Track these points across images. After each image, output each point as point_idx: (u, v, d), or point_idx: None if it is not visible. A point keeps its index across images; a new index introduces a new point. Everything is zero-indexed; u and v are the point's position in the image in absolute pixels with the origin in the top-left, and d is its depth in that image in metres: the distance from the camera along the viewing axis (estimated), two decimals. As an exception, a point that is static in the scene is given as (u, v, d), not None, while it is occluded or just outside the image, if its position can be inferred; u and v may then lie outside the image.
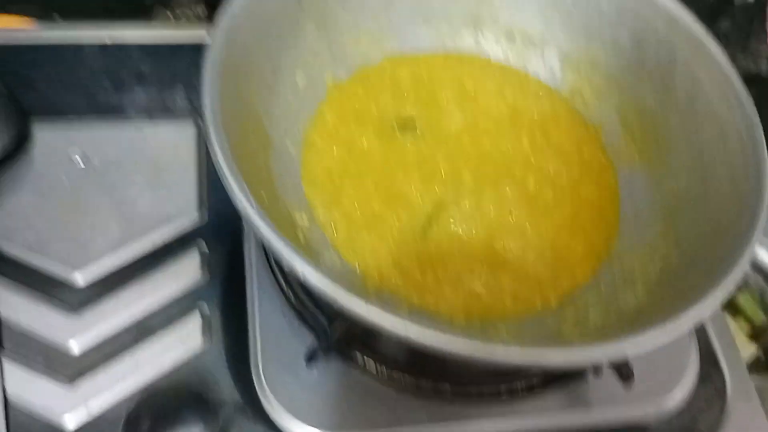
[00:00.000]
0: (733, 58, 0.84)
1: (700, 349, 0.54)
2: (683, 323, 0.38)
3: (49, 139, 0.56)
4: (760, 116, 1.01)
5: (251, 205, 0.39)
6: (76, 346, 0.49)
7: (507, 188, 0.53)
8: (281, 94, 0.52)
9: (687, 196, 0.51)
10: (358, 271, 0.48)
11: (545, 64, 0.59)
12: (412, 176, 0.53)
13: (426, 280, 0.48)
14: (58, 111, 0.58)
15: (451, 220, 0.51)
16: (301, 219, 0.48)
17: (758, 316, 0.74)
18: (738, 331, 0.73)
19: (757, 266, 0.74)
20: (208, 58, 0.43)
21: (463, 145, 0.55)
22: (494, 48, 0.60)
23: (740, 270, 0.41)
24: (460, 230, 0.51)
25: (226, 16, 0.46)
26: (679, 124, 0.53)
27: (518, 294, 0.49)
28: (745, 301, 0.74)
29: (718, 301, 0.39)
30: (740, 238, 0.43)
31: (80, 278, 0.51)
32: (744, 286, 0.74)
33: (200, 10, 0.78)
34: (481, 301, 0.48)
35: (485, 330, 0.47)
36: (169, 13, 0.77)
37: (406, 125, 0.55)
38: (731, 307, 0.74)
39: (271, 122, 0.50)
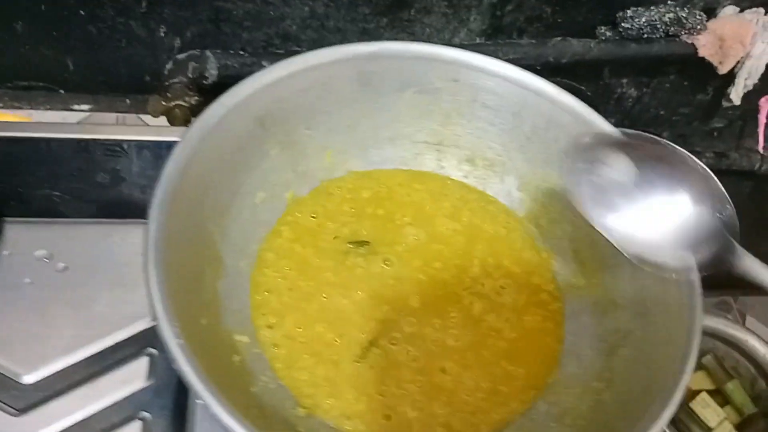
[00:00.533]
0: (727, 156, 0.86)
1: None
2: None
3: (17, 238, 0.58)
4: (756, 211, 1.02)
5: (177, 341, 0.40)
6: (16, 449, 0.50)
7: (452, 312, 0.55)
8: (239, 213, 0.53)
9: (628, 337, 0.52)
10: (291, 394, 0.49)
11: (504, 188, 0.61)
12: (359, 297, 0.54)
13: (358, 406, 0.49)
14: (28, 211, 0.60)
15: (392, 345, 0.52)
16: (242, 339, 0.50)
17: (748, 406, 0.74)
18: (725, 422, 0.72)
19: (747, 354, 0.74)
20: (158, 191, 0.45)
21: (414, 268, 0.56)
22: (455, 170, 0.61)
23: (666, 417, 0.43)
24: (400, 355, 0.52)
25: (182, 145, 0.48)
26: (626, 261, 0.54)
27: (450, 424, 0.50)
28: (735, 390, 0.74)
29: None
30: (669, 387, 0.45)
31: (29, 379, 0.52)
32: (735, 374, 0.74)
33: (193, 100, 0.80)
34: (411, 430, 0.49)
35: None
36: (162, 101, 0.80)
37: (360, 246, 0.56)
38: (720, 395, 0.74)
39: (225, 242, 0.52)
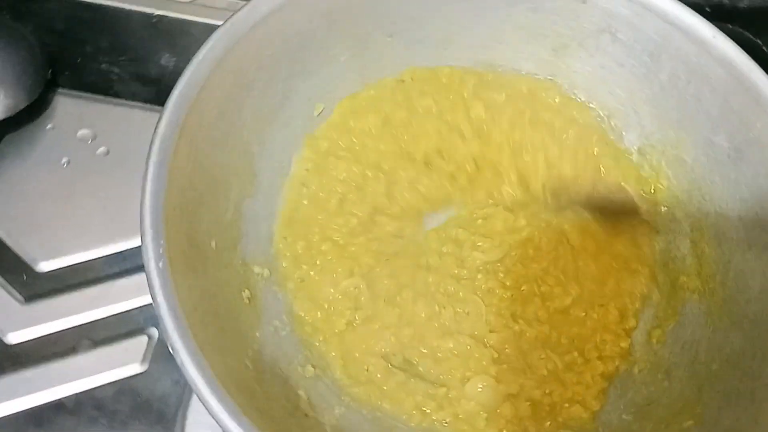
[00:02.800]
0: None
1: None
2: None
3: (64, 112, 0.53)
4: None
5: (156, 263, 0.33)
6: (13, 336, 0.46)
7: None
8: (286, 125, 0.45)
9: (735, 364, 0.40)
10: (302, 348, 0.41)
11: (620, 147, 0.49)
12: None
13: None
14: (82, 85, 0.54)
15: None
16: (261, 272, 0.42)
17: None
18: None
19: None
20: (182, 78, 0.38)
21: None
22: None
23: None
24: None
25: (223, 29, 0.40)
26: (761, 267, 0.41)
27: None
28: None
29: None
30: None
31: (44, 266, 0.48)
32: None
33: None
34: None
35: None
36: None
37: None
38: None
39: (263, 155, 0.44)
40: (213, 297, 0.37)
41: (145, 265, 0.33)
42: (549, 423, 0.42)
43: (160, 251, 0.34)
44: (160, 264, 0.33)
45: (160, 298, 0.33)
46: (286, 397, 0.38)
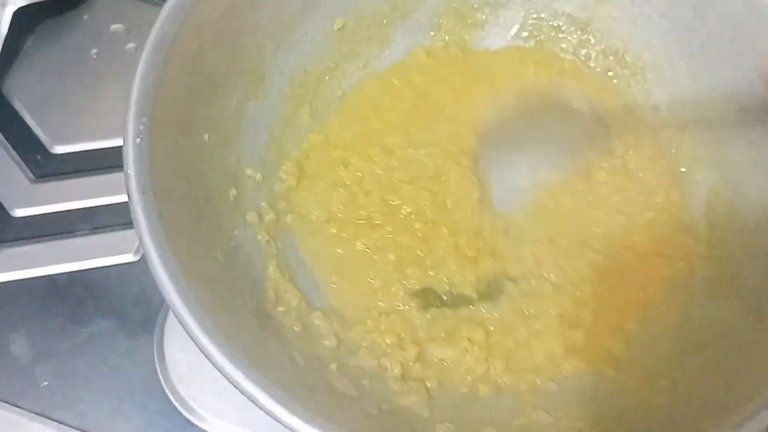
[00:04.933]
0: None
1: None
2: None
3: (101, 4, 0.54)
4: None
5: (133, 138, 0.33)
6: (20, 211, 0.47)
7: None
8: (305, 35, 0.45)
9: (725, 336, 0.37)
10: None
11: (648, 101, 0.46)
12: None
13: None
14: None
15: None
16: (253, 175, 0.42)
17: None
18: None
19: None
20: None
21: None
22: (593, 61, 0.48)
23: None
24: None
25: None
26: None
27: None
28: None
29: None
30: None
31: (59, 149, 0.49)
32: None
33: None
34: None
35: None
36: None
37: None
38: None
39: (276, 60, 0.44)
40: (196, 187, 0.37)
41: (124, 139, 0.33)
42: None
43: (140, 128, 0.34)
44: (138, 140, 0.33)
45: (131, 171, 0.33)
46: (251, 294, 0.37)
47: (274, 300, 0.38)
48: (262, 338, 0.35)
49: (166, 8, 0.37)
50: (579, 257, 0.42)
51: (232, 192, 0.40)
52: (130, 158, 0.33)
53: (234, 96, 0.41)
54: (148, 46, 0.36)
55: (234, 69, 0.41)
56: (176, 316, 0.31)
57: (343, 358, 0.38)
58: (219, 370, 0.30)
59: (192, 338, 0.31)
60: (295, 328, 0.38)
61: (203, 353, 0.30)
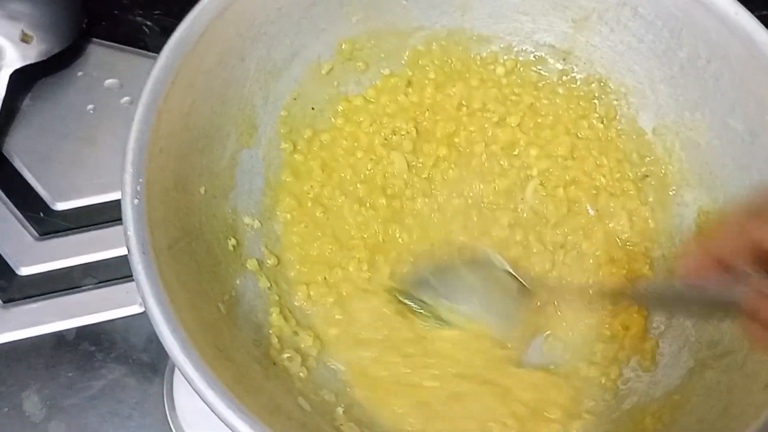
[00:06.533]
0: None
1: None
2: None
3: (95, 61, 0.55)
4: None
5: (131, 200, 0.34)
6: (25, 269, 0.48)
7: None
8: (293, 79, 0.46)
9: (724, 358, 0.38)
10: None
11: (634, 127, 0.47)
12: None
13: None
14: (115, 36, 0.56)
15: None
16: (250, 223, 0.43)
17: None
18: None
19: None
20: (184, 22, 0.39)
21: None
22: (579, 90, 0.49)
23: None
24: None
25: None
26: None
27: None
28: None
29: None
30: None
31: (60, 206, 0.50)
32: None
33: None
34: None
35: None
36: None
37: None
38: None
39: (267, 108, 0.45)
40: (194, 239, 0.38)
41: (122, 201, 0.34)
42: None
43: (138, 189, 0.35)
44: (135, 201, 0.34)
45: (130, 232, 0.34)
46: (255, 342, 0.38)
47: (278, 347, 0.39)
48: (267, 386, 0.36)
49: (157, 67, 0.38)
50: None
51: (231, 242, 0.41)
52: (129, 219, 0.34)
53: (228, 146, 0.42)
54: (141, 106, 0.37)
55: (226, 120, 0.42)
56: (180, 372, 0.32)
57: (350, 401, 0.39)
58: (224, 422, 0.31)
59: (197, 392, 0.31)
60: (300, 374, 0.38)
61: (208, 407, 0.31)
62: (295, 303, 0.42)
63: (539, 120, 0.48)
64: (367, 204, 0.45)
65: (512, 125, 0.48)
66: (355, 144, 0.47)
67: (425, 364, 0.41)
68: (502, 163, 0.47)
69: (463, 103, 0.48)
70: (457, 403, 0.39)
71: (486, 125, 0.48)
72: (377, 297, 0.43)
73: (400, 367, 0.40)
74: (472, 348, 0.41)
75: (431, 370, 0.40)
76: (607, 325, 0.42)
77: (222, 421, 0.31)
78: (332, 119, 0.47)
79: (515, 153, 0.47)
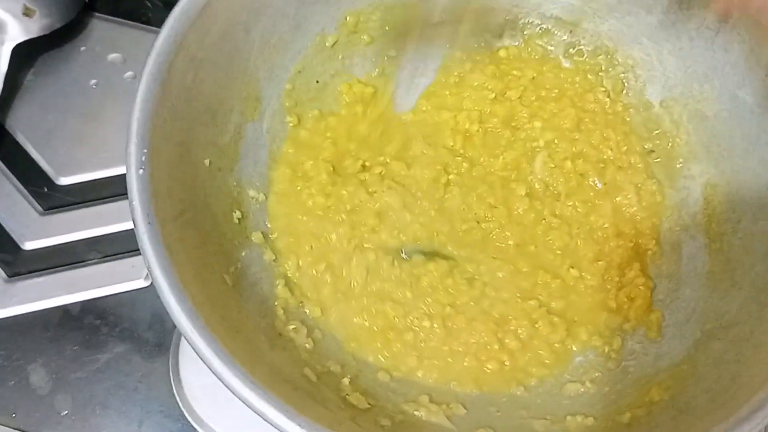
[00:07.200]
0: None
1: None
2: None
3: (97, 36, 0.55)
4: None
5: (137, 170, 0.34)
6: (30, 244, 0.48)
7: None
8: (298, 53, 0.45)
9: (730, 329, 0.38)
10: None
11: (641, 100, 0.47)
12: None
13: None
14: (117, 11, 0.56)
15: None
16: (255, 196, 0.43)
17: None
18: None
19: None
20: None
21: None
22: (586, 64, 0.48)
23: None
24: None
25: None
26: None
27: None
28: None
29: None
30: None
31: (64, 180, 0.50)
32: None
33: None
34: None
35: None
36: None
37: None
38: None
39: (270, 82, 0.44)
40: (199, 211, 0.38)
41: (126, 171, 0.34)
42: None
43: (142, 159, 0.34)
44: (140, 171, 0.34)
45: (135, 203, 0.33)
46: (261, 314, 0.38)
47: (284, 318, 0.39)
48: (273, 357, 0.36)
49: (160, 39, 0.37)
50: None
51: (236, 214, 0.41)
52: (134, 190, 0.34)
53: (232, 120, 0.42)
54: (145, 77, 0.36)
55: (231, 93, 0.42)
56: (188, 341, 0.32)
57: (355, 371, 0.39)
58: (232, 391, 0.31)
59: (204, 362, 0.31)
60: (306, 345, 0.38)
61: (216, 376, 0.31)
62: (288, 274, 0.42)
63: (543, 93, 0.47)
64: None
65: (512, 99, 0.47)
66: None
67: (416, 307, 0.41)
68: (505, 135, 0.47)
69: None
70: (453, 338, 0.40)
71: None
72: (365, 254, 0.43)
73: (391, 314, 0.41)
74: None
75: (424, 309, 0.41)
76: (612, 297, 0.42)
77: (229, 389, 0.31)
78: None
79: (513, 124, 0.47)
